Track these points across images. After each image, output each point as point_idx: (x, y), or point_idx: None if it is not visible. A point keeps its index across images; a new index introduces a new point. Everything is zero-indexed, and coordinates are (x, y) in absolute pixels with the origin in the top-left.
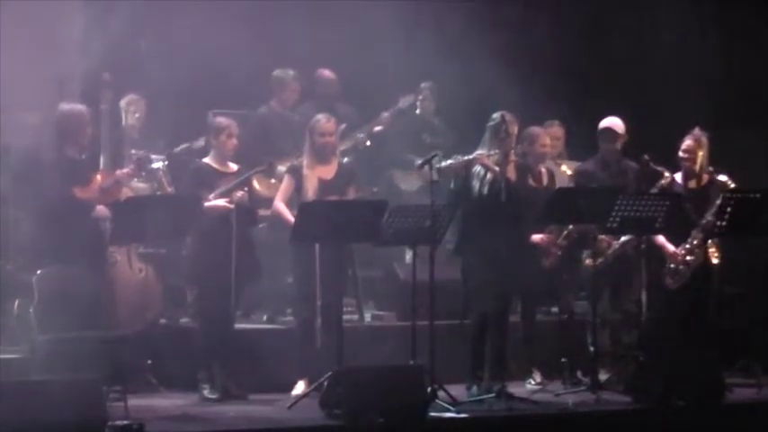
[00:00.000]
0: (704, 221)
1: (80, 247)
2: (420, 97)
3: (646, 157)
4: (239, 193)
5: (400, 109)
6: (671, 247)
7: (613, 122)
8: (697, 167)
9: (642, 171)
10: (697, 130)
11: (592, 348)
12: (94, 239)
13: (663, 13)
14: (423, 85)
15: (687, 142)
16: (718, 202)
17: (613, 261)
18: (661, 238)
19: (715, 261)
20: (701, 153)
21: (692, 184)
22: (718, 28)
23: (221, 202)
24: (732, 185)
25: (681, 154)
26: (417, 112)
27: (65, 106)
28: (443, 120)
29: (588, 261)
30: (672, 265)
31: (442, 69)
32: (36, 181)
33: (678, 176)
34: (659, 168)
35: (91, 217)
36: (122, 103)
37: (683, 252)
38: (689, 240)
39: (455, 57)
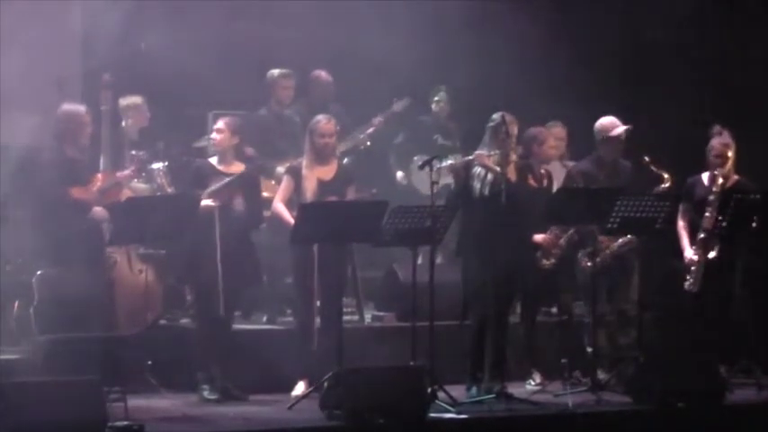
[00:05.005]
0: (703, 220)
1: (76, 248)
2: (436, 98)
3: (646, 158)
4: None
5: (394, 112)
6: (687, 253)
7: (615, 122)
8: (727, 169)
9: (637, 171)
10: (718, 127)
11: (590, 349)
12: (92, 240)
13: (664, 12)
14: (440, 87)
15: (719, 146)
16: (711, 197)
17: (610, 261)
18: (683, 242)
19: (713, 254)
20: (730, 153)
21: (718, 186)
22: (719, 26)
23: (209, 201)
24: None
25: (712, 158)
26: (433, 110)
27: (65, 106)
28: (457, 124)
29: (585, 261)
30: (692, 269)
31: (441, 70)
32: (33, 181)
33: (705, 177)
34: (660, 171)
35: (87, 218)
36: (122, 104)
37: (695, 254)
38: (696, 241)
39: (455, 57)
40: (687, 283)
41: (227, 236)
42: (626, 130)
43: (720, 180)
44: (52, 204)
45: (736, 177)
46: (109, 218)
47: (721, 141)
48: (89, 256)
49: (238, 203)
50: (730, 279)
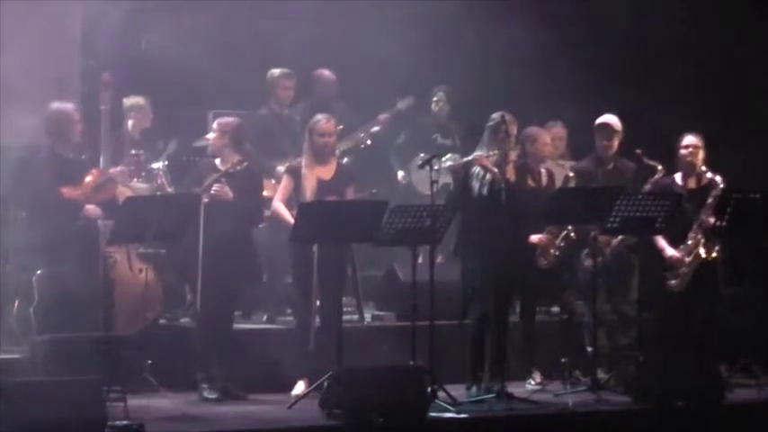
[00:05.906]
0: (700, 220)
1: (70, 247)
2: (435, 98)
3: (638, 151)
4: (216, 187)
5: (398, 110)
6: (669, 251)
7: (610, 119)
8: (698, 164)
9: (639, 169)
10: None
11: (590, 349)
12: (85, 239)
13: (664, 12)
14: (440, 86)
15: (688, 139)
16: (710, 200)
17: (611, 261)
18: (661, 242)
19: (714, 255)
20: (701, 149)
21: (692, 183)
22: (720, 26)
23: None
24: (721, 185)
25: (682, 151)
26: (433, 110)
27: (54, 105)
28: (457, 123)
29: (587, 261)
30: (677, 269)
31: (441, 70)
32: (27, 180)
33: (678, 177)
34: (652, 163)
35: (80, 216)
36: (126, 104)
37: (682, 253)
38: (687, 241)
39: (455, 57)
40: (673, 282)
41: (222, 233)
42: (604, 122)
43: (710, 175)
44: (43, 203)
45: (709, 175)
46: (102, 215)
47: (692, 135)
48: (83, 255)
49: (232, 200)
50: (714, 278)
